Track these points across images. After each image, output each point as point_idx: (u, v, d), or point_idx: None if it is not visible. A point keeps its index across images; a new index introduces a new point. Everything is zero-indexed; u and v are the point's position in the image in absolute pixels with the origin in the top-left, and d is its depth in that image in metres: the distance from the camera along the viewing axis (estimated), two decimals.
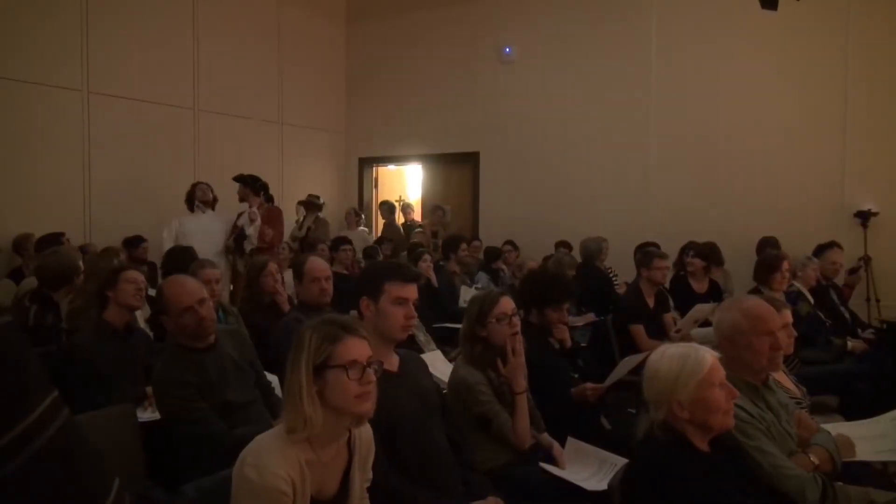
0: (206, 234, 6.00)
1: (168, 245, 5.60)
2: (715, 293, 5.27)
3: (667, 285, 5.14)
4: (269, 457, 1.55)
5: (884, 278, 6.09)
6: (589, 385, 3.13)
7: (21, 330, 0.75)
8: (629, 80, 7.36)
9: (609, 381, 3.18)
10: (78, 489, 0.77)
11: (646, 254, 4.82)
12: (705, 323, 4.22)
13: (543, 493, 2.51)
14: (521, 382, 2.67)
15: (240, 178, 6.48)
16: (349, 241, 6.16)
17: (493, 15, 8.25)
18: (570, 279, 4.74)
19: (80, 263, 3.75)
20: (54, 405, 0.74)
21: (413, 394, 2.19)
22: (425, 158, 8.98)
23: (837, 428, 2.60)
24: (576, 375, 3.39)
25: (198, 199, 6.08)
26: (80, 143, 6.51)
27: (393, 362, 2.20)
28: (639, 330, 4.43)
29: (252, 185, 6.39)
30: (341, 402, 1.61)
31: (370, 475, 1.79)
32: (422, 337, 3.94)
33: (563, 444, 2.78)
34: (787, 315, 2.58)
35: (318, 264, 3.55)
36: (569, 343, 3.52)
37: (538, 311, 3.30)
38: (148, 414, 2.89)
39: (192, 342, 2.58)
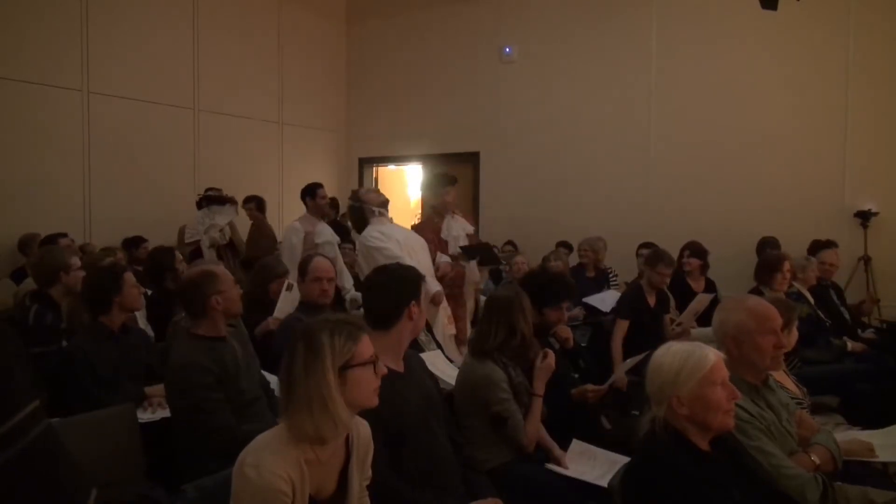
0: (418, 241, 4.53)
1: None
2: (711, 291, 5.27)
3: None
4: (268, 457, 1.54)
5: (884, 278, 6.08)
6: (589, 387, 3.14)
7: (7, 338, 0.77)
8: (629, 79, 7.36)
9: (609, 382, 3.18)
10: (58, 492, 0.79)
11: (654, 254, 4.75)
12: (703, 316, 4.23)
13: (544, 492, 2.51)
14: (542, 385, 2.77)
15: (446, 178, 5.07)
16: (350, 240, 6.09)
17: (494, 15, 8.25)
18: (569, 278, 4.75)
19: (73, 261, 3.75)
20: (35, 413, 0.76)
21: (418, 394, 2.19)
22: (426, 158, 8.97)
23: (850, 435, 2.62)
24: (576, 376, 3.39)
25: (376, 204, 4.42)
26: (80, 143, 6.51)
27: (400, 363, 2.21)
28: (623, 325, 4.45)
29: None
30: (361, 398, 1.63)
31: (369, 473, 1.79)
32: (423, 337, 3.93)
33: (563, 445, 2.79)
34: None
35: (322, 264, 3.56)
36: (571, 343, 3.52)
37: (537, 311, 3.30)
38: (148, 414, 2.90)
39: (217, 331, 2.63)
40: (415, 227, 4.97)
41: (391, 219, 4.51)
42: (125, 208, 6.70)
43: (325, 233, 5.23)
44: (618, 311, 4.62)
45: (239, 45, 8.00)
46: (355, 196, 4.54)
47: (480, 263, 4.64)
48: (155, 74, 7.10)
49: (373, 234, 4.24)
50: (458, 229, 4.90)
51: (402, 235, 4.36)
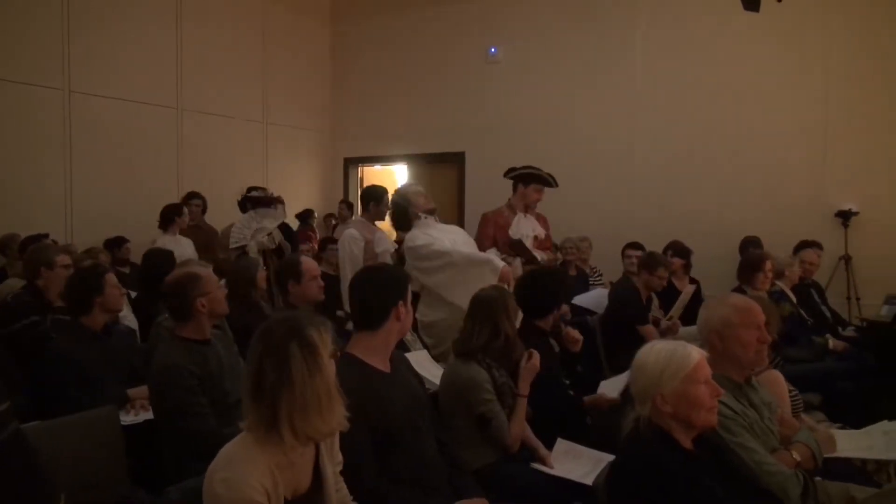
0: (467, 243, 4.45)
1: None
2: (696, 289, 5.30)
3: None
4: (239, 468, 1.50)
5: (864, 277, 6.16)
6: (605, 396, 3.15)
7: None
8: (614, 80, 7.39)
9: (621, 391, 3.14)
10: (34, 489, 0.79)
11: (651, 258, 4.74)
12: (688, 316, 4.25)
13: (530, 492, 2.52)
14: (527, 386, 2.76)
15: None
16: (335, 241, 6.06)
17: (479, 15, 8.25)
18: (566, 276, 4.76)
19: (58, 258, 3.77)
20: (7, 413, 0.77)
21: (404, 394, 2.18)
22: (411, 158, 8.97)
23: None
24: (567, 381, 3.36)
25: (423, 210, 4.27)
26: (62, 143, 6.42)
27: (387, 363, 2.20)
28: (650, 330, 4.39)
29: None
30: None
31: (339, 458, 1.78)
32: (409, 336, 3.94)
33: (549, 445, 2.80)
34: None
35: (313, 263, 3.62)
36: (580, 346, 3.46)
37: (549, 313, 3.29)
38: (131, 417, 2.88)
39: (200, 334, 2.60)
40: (483, 217, 5.10)
41: (437, 219, 4.36)
42: (107, 208, 6.63)
43: (384, 241, 4.85)
44: (634, 317, 4.52)
45: (223, 45, 7.94)
46: (401, 194, 4.33)
47: (525, 263, 4.67)
48: (138, 74, 7.02)
49: (419, 236, 4.13)
50: (527, 229, 4.93)
51: (447, 233, 4.31)
